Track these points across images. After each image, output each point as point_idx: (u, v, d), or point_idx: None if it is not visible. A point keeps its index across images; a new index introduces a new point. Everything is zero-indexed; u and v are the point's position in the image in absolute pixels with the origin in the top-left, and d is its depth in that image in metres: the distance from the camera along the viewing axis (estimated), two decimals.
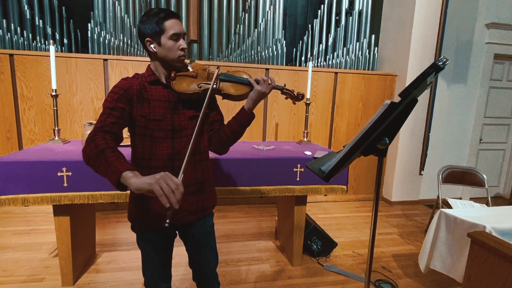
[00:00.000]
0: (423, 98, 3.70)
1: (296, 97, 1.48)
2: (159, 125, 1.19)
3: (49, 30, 3.18)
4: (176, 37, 1.17)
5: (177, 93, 1.22)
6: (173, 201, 0.84)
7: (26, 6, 3.10)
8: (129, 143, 2.16)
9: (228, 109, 3.44)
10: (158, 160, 1.21)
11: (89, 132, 2.08)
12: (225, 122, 1.39)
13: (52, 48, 2.17)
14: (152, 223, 1.25)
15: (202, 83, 1.26)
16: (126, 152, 2.07)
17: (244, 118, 1.29)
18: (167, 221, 0.84)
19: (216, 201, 1.41)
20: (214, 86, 1.25)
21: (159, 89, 1.22)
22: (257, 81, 1.29)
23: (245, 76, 1.35)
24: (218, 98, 1.39)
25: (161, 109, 1.19)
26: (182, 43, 1.20)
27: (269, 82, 1.29)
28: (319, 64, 3.81)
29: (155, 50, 1.19)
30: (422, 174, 3.95)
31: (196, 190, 1.29)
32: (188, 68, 1.30)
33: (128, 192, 1.93)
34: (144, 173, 1.18)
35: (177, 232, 1.38)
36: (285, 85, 1.42)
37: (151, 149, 1.20)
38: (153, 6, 3.38)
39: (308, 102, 2.72)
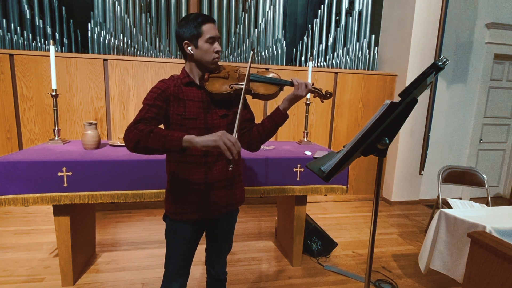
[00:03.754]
0: (423, 98, 3.70)
1: (324, 96, 1.46)
2: (193, 123, 1.26)
3: (49, 30, 3.18)
4: (212, 40, 1.24)
5: (210, 93, 1.28)
6: (234, 153, 1.03)
7: (26, 6, 3.10)
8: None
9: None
10: (192, 155, 1.27)
11: (89, 132, 2.09)
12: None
13: (52, 48, 2.17)
14: (187, 215, 1.32)
15: (233, 83, 1.31)
16: (124, 151, 2.07)
17: (279, 119, 1.33)
18: (230, 166, 1.05)
19: (244, 198, 1.48)
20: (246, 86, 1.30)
21: (193, 90, 1.29)
22: (295, 84, 1.32)
23: (274, 76, 1.39)
24: (248, 97, 1.44)
25: (195, 108, 1.27)
26: (217, 46, 1.26)
27: (305, 85, 1.32)
28: (319, 64, 3.81)
29: (192, 52, 1.26)
30: (422, 174, 3.95)
31: (226, 185, 1.36)
32: (221, 69, 1.36)
33: (129, 192, 1.94)
34: (179, 168, 1.29)
35: (204, 230, 1.45)
36: (313, 84, 1.43)
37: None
38: (153, 6, 3.38)
39: (308, 102, 2.72)
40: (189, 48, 1.25)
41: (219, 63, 1.37)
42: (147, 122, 1.16)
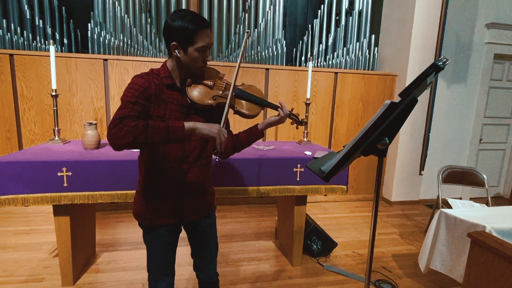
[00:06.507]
0: (423, 98, 3.70)
1: (300, 122, 1.48)
2: None
3: (49, 30, 3.18)
4: (204, 49, 1.17)
5: (192, 101, 1.23)
6: (223, 148, 1.14)
7: (26, 6, 3.10)
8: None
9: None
10: (169, 161, 1.24)
11: (89, 132, 2.09)
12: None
13: (52, 48, 2.17)
14: (158, 220, 1.29)
15: (217, 95, 1.27)
16: (124, 151, 2.06)
17: (255, 137, 1.39)
18: (217, 158, 1.24)
19: (214, 201, 1.47)
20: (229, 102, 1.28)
21: (175, 93, 1.23)
22: (280, 113, 1.37)
23: (259, 93, 1.39)
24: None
25: (176, 112, 1.22)
26: (207, 55, 1.21)
27: (287, 113, 1.38)
28: (319, 64, 3.81)
29: (178, 55, 1.18)
30: (422, 174, 3.95)
31: (201, 191, 1.35)
32: (205, 74, 1.30)
33: (129, 192, 1.94)
34: (155, 172, 1.25)
35: (182, 227, 1.42)
36: (292, 110, 1.45)
37: (164, 150, 1.23)
38: (153, 6, 3.38)
39: (308, 102, 2.72)
40: (177, 51, 1.17)
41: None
42: (133, 121, 1.05)
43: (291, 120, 1.48)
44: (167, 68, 1.22)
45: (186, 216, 1.32)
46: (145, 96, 1.13)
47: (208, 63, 1.28)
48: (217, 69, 1.39)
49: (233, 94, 1.31)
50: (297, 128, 1.51)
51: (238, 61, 1.28)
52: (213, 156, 1.39)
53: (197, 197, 1.33)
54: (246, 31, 1.35)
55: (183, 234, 1.44)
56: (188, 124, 1.08)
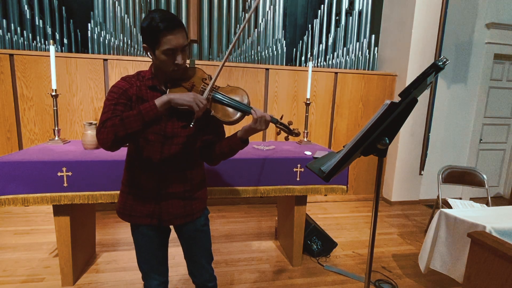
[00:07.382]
0: (423, 98, 3.70)
1: (291, 132, 1.30)
2: (153, 128, 1.20)
3: (49, 30, 3.18)
4: (171, 52, 1.11)
5: None
6: (200, 114, 1.11)
7: (26, 6, 3.10)
8: None
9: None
10: (148, 163, 1.23)
11: (89, 132, 2.09)
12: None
13: (52, 48, 2.17)
14: (137, 219, 1.28)
15: None
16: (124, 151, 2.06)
17: (235, 145, 1.27)
18: (192, 123, 1.12)
19: (205, 204, 1.42)
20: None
21: (157, 95, 1.21)
22: (253, 117, 1.20)
23: (242, 101, 1.25)
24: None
25: None
26: (177, 58, 1.13)
27: (267, 119, 1.20)
28: (319, 64, 3.81)
29: (151, 57, 1.17)
30: (422, 174, 3.95)
31: (185, 196, 1.31)
32: (188, 76, 1.24)
33: None
34: (136, 173, 1.25)
35: (171, 227, 1.40)
36: (281, 118, 1.29)
37: (143, 151, 1.23)
38: (153, 6, 3.37)
39: (308, 102, 2.72)
40: (148, 53, 1.15)
41: (193, 66, 1.27)
42: (112, 120, 1.07)
43: (277, 130, 1.31)
44: (151, 70, 1.22)
45: (165, 219, 1.28)
46: (126, 96, 1.16)
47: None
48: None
49: (210, 97, 1.22)
50: (286, 139, 1.33)
51: (226, 56, 1.22)
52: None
53: (178, 202, 1.29)
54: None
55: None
56: (159, 101, 1.05)
